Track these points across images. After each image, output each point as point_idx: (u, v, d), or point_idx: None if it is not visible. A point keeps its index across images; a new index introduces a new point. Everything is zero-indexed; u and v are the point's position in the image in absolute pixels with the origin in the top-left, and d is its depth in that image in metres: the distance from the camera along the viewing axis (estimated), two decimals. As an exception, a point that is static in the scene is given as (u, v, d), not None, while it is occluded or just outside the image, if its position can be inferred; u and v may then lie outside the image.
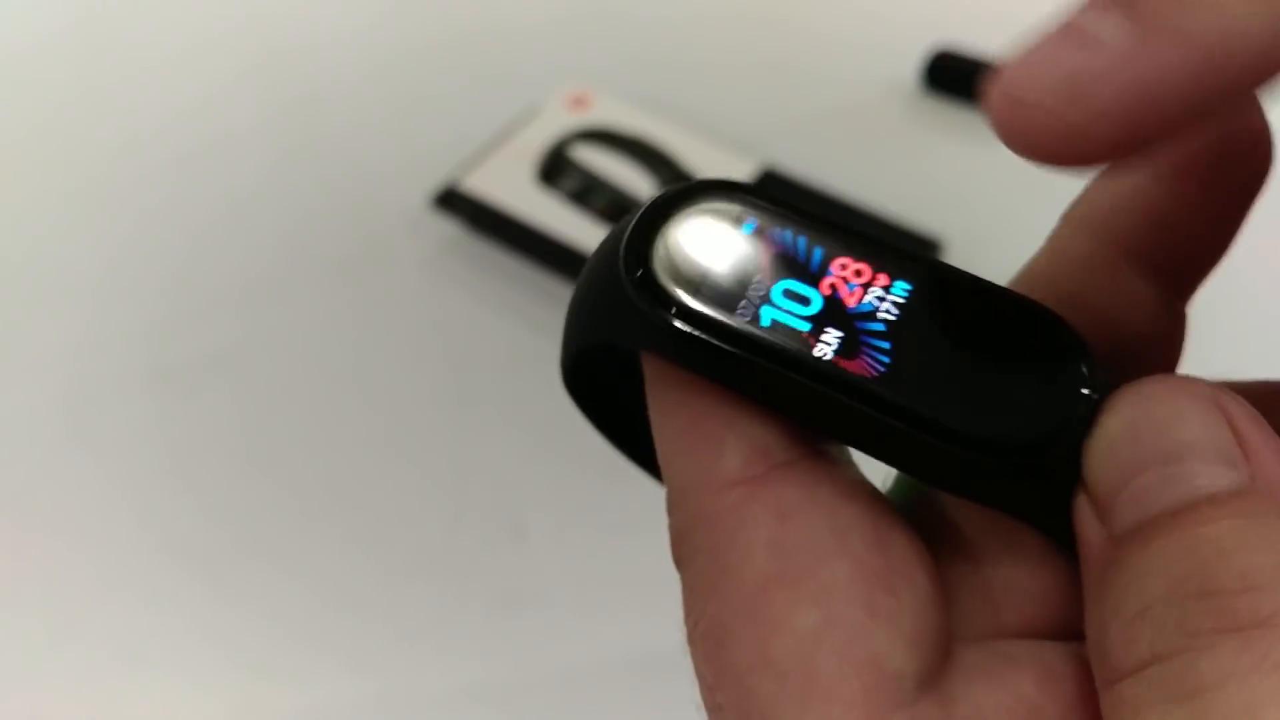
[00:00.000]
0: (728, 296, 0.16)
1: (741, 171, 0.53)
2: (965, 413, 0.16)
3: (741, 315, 0.16)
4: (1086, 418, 0.16)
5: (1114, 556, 0.15)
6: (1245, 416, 0.15)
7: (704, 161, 0.53)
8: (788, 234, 0.17)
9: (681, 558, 0.17)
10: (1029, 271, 0.19)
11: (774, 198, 0.17)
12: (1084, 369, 0.16)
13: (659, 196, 0.17)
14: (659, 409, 0.17)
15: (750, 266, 0.17)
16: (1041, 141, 0.14)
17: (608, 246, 0.17)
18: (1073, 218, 0.19)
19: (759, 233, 0.17)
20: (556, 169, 0.53)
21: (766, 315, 0.16)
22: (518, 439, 0.46)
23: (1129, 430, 0.15)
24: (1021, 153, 0.14)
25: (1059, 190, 0.18)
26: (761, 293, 0.16)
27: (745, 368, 0.16)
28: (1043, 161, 0.14)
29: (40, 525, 0.44)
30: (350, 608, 0.42)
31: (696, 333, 0.16)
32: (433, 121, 0.59)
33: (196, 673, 0.41)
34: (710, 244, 0.17)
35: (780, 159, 0.53)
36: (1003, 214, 0.54)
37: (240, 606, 0.42)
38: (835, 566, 0.16)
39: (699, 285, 0.16)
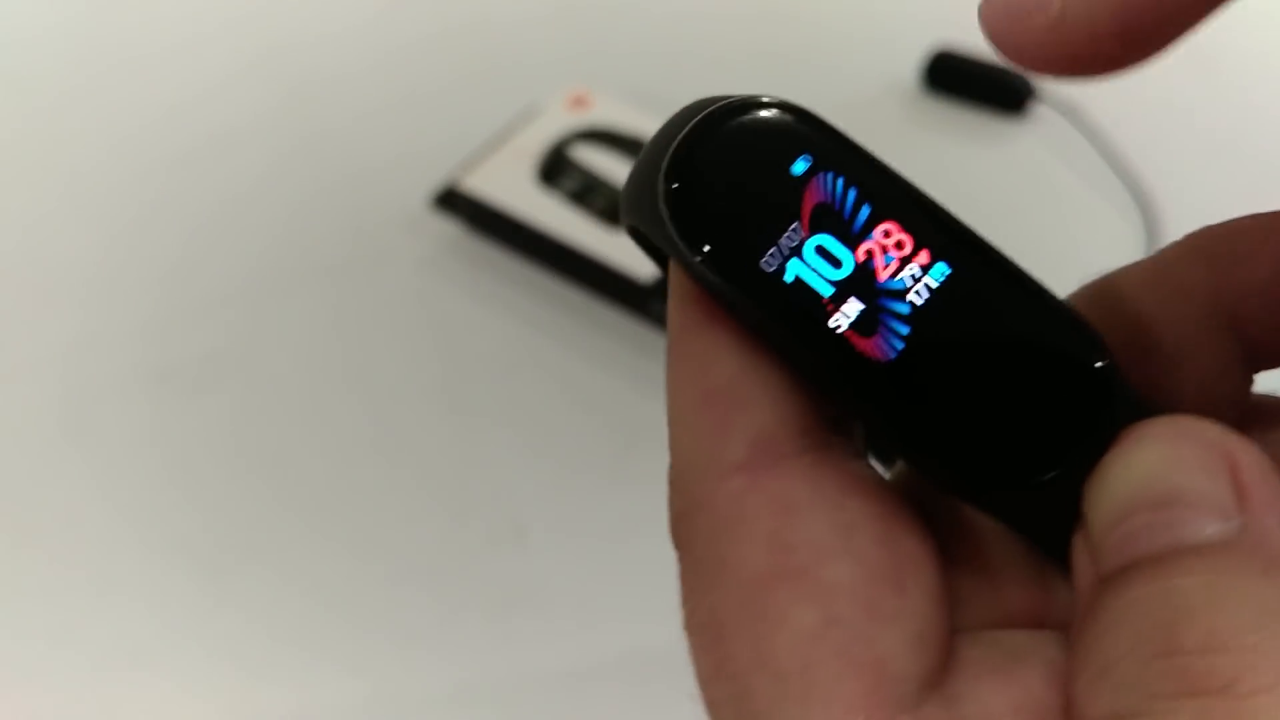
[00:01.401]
0: (759, 240, 0.16)
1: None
2: (965, 427, 0.16)
3: (767, 265, 0.16)
4: (1094, 452, 0.15)
5: (1096, 599, 0.15)
6: (1252, 466, 0.15)
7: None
8: (840, 183, 0.16)
9: (680, 541, 0.17)
10: (1124, 273, 0.18)
11: (836, 134, 0.16)
12: (1105, 399, 0.16)
13: (716, 109, 0.16)
14: (673, 377, 0.17)
15: (790, 212, 0.16)
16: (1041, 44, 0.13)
17: (657, 144, 0.16)
18: (1194, 249, 0.18)
19: (810, 173, 0.16)
20: (556, 169, 0.53)
21: (792, 270, 0.16)
22: (517, 439, 0.46)
23: (1128, 470, 0.15)
24: (1024, 62, 0.14)
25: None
26: (795, 244, 0.16)
27: (758, 318, 0.16)
28: (1043, 69, 0.13)
29: (38, 525, 0.44)
30: (349, 608, 0.42)
31: (713, 275, 0.16)
32: (432, 121, 0.59)
33: (194, 673, 0.41)
34: (756, 179, 0.16)
35: (780, 159, 0.53)
36: (1002, 214, 0.54)
37: (238, 607, 0.42)
38: (838, 564, 0.15)
39: (732, 223, 0.16)
